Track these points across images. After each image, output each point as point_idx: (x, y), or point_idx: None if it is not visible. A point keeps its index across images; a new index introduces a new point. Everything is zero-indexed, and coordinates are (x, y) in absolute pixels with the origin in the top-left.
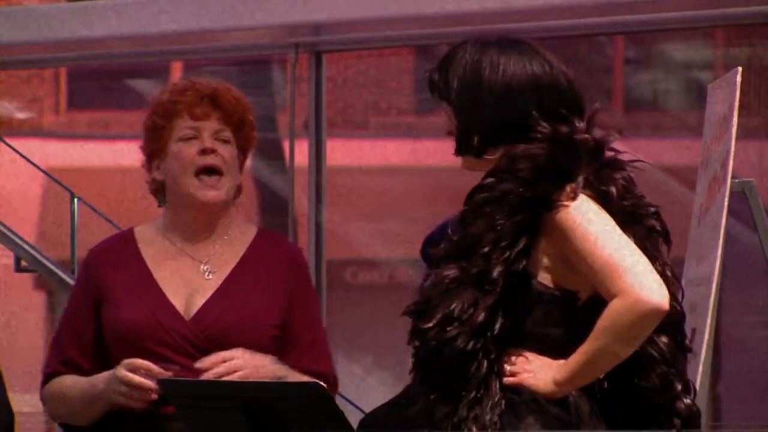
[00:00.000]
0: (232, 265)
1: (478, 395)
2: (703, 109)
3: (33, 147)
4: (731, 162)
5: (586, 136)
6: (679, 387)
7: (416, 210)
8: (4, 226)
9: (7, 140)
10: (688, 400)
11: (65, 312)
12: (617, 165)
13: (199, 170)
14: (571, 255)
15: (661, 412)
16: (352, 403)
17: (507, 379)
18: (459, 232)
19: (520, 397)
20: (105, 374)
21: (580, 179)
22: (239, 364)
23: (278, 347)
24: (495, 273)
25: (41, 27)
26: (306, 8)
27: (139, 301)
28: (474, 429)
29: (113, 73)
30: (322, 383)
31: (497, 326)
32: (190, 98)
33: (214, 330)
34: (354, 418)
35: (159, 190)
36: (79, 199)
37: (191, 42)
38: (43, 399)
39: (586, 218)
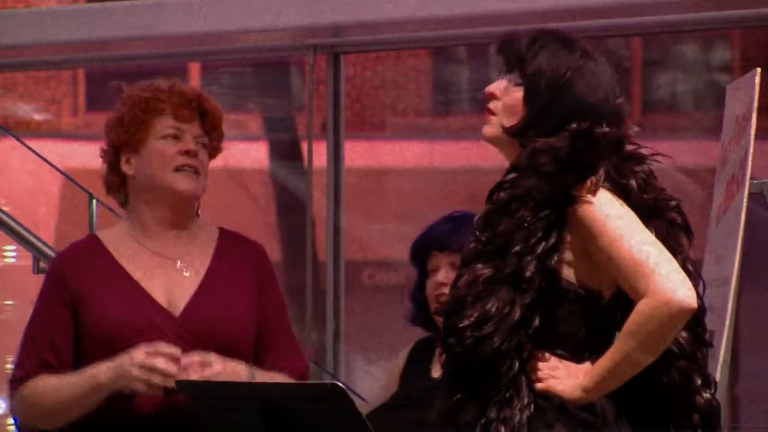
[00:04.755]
0: (206, 263)
1: (508, 396)
2: (721, 111)
3: (51, 148)
4: (750, 163)
5: (607, 129)
6: (699, 381)
7: (433, 212)
8: (23, 227)
9: (26, 141)
10: (707, 395)
11: (35, 317)
12: (637, 158)
13: (179, 168)
14: (595, 252)
15: (681, 407)
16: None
17: (535, 385)
18: (486, 231)
19: (548, 402)
20: (106, 365)
21: (602, 172)
22: (217, 369)
23: (256, 344)
24: (529, 271)
25: (59, 28)
26: (324, 10)
27: (124, 302)
28: (503, 431)
29: (131, 75)
30: (339, 384)
31: (534, 325)
32: (177, 99)
33: (203, 325)
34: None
35: (119, 187)
36: (98, 200)
37: (209, 44)
38: (18, 402)
39: (609, 214)
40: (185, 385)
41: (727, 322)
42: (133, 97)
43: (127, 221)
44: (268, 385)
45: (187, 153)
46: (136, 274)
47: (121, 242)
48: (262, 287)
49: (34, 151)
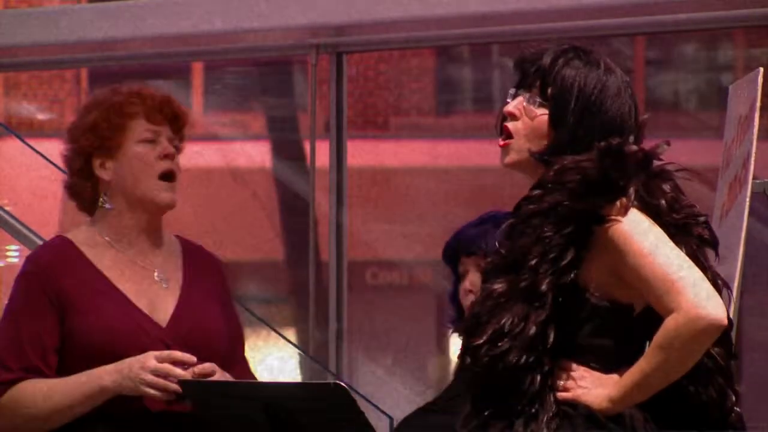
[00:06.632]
0: (178, 273)
1: (533, 410)
2: (724, 110)
3: (54, 148)
4: (752, 163)
5: (635, 147)
6: (734, 398)
7: (436, 211)
8: (25, 226)
9: (28, 141)
10: (738, 410)
11: (14, 319)
12: (664, 175)
13: (161, 174)
14: (624, 270)
15: (718, 424)
16: (373, 404)
17: (561, 395)
18: (507, 244)
19: (576, 410)
20: (108, 369)
21: (632, 193)
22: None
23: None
24: (543, 286)
25: (62, 28)
26: (327, 9)
27: (110, 310)
28: None
29: (134, 75)
30: (343, 384)
31: (550, 340)
32: (150, 103)
33: (187, 336)
34: (374, 419)
35: (88, 191)
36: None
37: (212, 43)
38: (3, 408)
39: (640, 233)
40: (188, 385)
41: None
42: (104, 102)
43: (94, 226)
44: (271, 384)
45: (167, 156)
46: (119, 284)
47: (96, 248)
48: (225, 300)
49: (36, 151)
